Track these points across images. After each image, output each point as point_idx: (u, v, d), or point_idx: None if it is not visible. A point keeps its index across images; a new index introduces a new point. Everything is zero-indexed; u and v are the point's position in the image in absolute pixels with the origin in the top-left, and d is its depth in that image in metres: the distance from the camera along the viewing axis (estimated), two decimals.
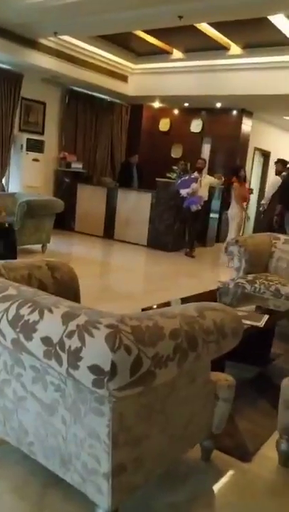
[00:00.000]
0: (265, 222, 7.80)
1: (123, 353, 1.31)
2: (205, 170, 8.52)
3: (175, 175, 8.81)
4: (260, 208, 7.92)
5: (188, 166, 8.74)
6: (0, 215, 5.49)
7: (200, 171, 8.09)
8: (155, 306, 2.98)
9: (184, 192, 7.77)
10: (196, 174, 8.02)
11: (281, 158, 8.20)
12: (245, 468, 2.13)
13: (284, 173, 7.81)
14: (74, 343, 1.36)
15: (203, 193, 8.07)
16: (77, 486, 1.63)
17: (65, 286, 2.24)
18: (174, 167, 9.15)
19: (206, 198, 8.26)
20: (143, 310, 2.84)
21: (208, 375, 1.92)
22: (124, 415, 1.50)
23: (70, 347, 1.37)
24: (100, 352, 1.31)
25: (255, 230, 11.36)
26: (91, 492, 1.58)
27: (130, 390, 1.37)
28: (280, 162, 7.91)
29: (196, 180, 7.81)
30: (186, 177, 7.95)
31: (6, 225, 5.38)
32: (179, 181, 7.95)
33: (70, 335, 1.38)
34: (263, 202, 8.04)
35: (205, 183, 8.12)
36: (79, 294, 2.33)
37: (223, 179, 8.21)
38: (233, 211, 7.74)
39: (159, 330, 1.44)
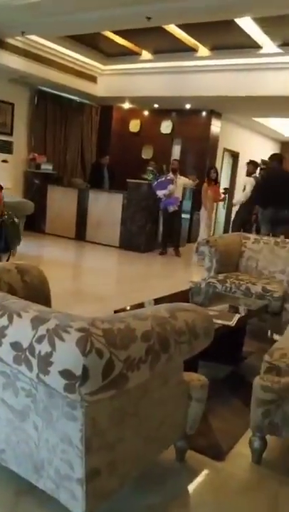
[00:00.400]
0: (237, 222, 7.88)
1: (94, 357, 1.29)
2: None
3: (151, 176, 8.81)
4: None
5: (164, 167, 8.81)
6: None
7: (174, 172, 8.19)
8: (128, 308, 2.98)
9: (160, 193, 7.89)
10: (170, 175, 8.11)
11: (253, 159, 8.30)
12: (219, 467, 2.15)
13: (255, 174, 7.92)
14: (44, 347, 1.34)
15: (178, 194, 8.19)
16: (51, 492, 1.60)
17: (36, 290, 2.21)
18: (150, 168, 9.16)
19: (181, 199, 8.36)
20: (116, 312, 2.83)
21: (180, 375, 1.92)
22: (96, 419, 1.48)
23: (40, 352, 1.34)
24: (70, 356, 1.30)
25: (226, 230, 11.50)
26: (65, 498, 1.56)
27: (102, 394, 1.35)
28: (252, 163, 8.01)
29: (172, 181, 7.91)
30: (163, 178, 8.03)
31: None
32: (156, 183, 8.03)
33: (40, 339, 1.35)
34: (234, 201, 8.11)
35: (179, 184, 8.20)
36: (50, 298, 2.30)
37: (198, 180, 8.30)
38: (202, 212, 7.89)
39: (130, 332, 1.43)
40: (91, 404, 1.39)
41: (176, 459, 2.11)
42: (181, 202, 8.35)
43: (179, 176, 8.25)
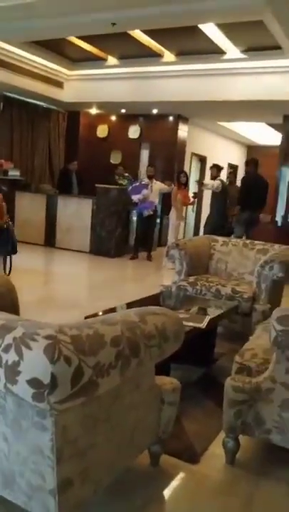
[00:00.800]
0: (210, 224, 7.95)
1: (63, 364, 1.27)
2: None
3: (126, 181, 8.99)
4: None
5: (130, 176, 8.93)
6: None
7: (150, 177, 8.32)
8: (100, 313, 2.96)
9: (135, 198, 8.04)
10: (146, 180, 8.24)
11: (215, 163, 8.40)
12: (194, 469, 2.15)
13: (219, 178, 8.01)
14: (11, 357, 1.31)
15: (155, 199, 8.28)
16: (23, 505, 1.56)
17: (2, 299, 2.16)
18: (126, 174, 9.43)
19: (157, 203, 8.43)
20: (86, 318, 2.80)
21: (152, 379, 1.91)
22: (67, 428, 1.45)
23: (7, 361, 1.31)
24: (38, 365, 1.27)
25: (196, 233, 11.60)
26: (38, 510, 1.52)
27: (72, 402, 1.33)
28: (215, 167, 8.10)
29: (146, 186, 8.03)
30: (137, 183, 8.19)
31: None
32: (130, 188, 8.19)
33: (6, 349, 1.32)
34: (205, 182, 8.14)
35: (155, 189, 8.29)
36: (18, 306, 2.26)
37: (173, 186, 8.36)
38: (171, 214, 8.00)
39: (99, 338, 1.41)
40: (61, 412, 1.36)
41: (150, 463, 2.10)
42: (156, 207, 8.41)
43: (154, 181, 8.34)
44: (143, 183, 8.18)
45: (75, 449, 1.50)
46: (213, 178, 7.95)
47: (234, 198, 8.30)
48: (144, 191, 7.94)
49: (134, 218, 8.78)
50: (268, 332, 2.58)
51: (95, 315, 2.86)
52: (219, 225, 7.76)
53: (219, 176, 7.98)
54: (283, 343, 1.95)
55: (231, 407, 2.15)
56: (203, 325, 2.86)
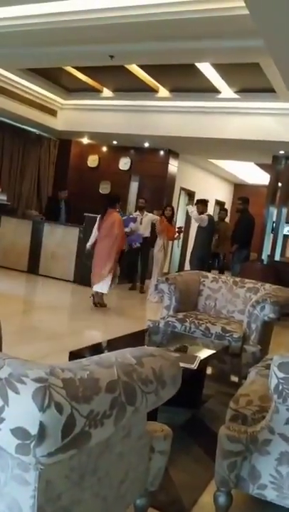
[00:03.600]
0: (194, 259, 7.90)
1: (54, 413, 1.12)
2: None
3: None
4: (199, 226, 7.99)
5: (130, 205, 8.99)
6: None
7: (141, 209, 8.41)
8: (83, 347, 2.81)
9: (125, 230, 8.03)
10: (135, 214, 8.39)
11: (201, 198, 8.37)
12: None
13: (207, 213, 8.02)
14: None
15: (146, 230, 8.33)
16: None
17: None
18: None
19: (149, 235, 8.41)
20: (71, 353, 2.65)
21: (144, 427, 1.76)
22: (52, 482, 1.29)
23: None
24: (25, 411, 1.12)
25: (181, 268, 11.54)
26: None
27: (61, 455, 1.18)
28: (200, 203, 8.05)
29: (134, 220, 8.08)
30: (125, 217, 8.17)
31: None
32: None
33: None
34: (190, 210, 8.03)
35: (146, 220, 8.33)
36: (1, 339, 2.10)
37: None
38: (155, 247, 8.00)
39: (94, 382, 1.27)
40: (47, 466, 1.21)
41: None
42: (146, 238, 8.33)
43: (146, 213, 8.37)
44: (131, 216, 8.27)
45: (58, 506, 1.33)
46: (200, 213, 7.92)
47: (225, 235, 8.34)
48: (132, 225, 7.96)
49: None
50: (262, 377, 2.47)
51: (80, 350, 2.72)
52: (202, 259, 7.77)
53: (206, 211, 7.98)
54: (284, 392, 1.83)
55: (225, 458, 1.99)
56: (194, 366, 2.73)
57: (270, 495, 1.96)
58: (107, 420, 1.29)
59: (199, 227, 7.88)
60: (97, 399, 1.25)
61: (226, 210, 10.50)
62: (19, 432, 1.12)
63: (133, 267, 8.48)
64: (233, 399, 2.23)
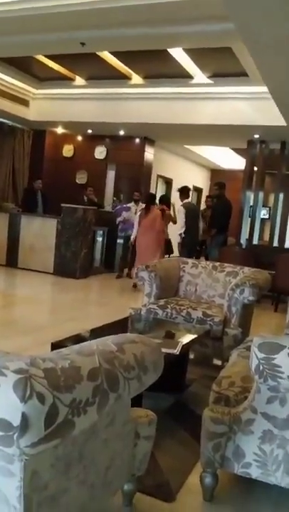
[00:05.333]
0: (187, 247, 7.93)
1: (35, 403, 1.12)
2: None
3: (112, 204, 9.69)
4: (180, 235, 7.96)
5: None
6: None
7: (136, 201, 8.53)
8: (65, 338, 2.79)
9: (117, 219, 8.55)
10: (131, 204, 8.59)
11: (180, 187, 8.29)
12: (170, 508, 2.00)
13: (187, 200, 8.00)
14: None
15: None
16: None
17: None
18: (114, 198, 10.08)
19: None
20: (53, 344, 2.64)
21: (128, 413, 1.77)
22: (38, 472, 1.29)
23: None
24: (7, 403, 1.11)
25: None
26: None
27: (45, 445, 1.17)
28: (180, 192, 8.01)
29: (127, 209, 8.45)
30: (119, 206, 8.79)
31: None
32: (114, 210, 8.88)
33: None
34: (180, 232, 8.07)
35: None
36: None
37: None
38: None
39: (75, 371, 1.27)
40: (31, 456, 1.20)
41: (123, 503, 1.94)
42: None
43: (140, 205, 8.33)
44: (125, 206, 8.65)
45: (46, 495, 1.34)
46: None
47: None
48: (125, 213, 8.37)
49: (99, 239, 8.93)
50: (243, 359, 2.51)
51: (61, 342, 2.71)
52: (192, 249, 7.96)
53: (188, 198, 7.97)
54: (265, 372, 1.86)
55: (210, 440, 2.02)
56: (176, 351, 2.75)
57: (255, 473, 2.00)
58: (90, 408, 1.29)
59: (188, 214, 7.87)
60: (79, 387, 1.25)
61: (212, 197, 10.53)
62: (1, 424, 1.11)
63: (123, 255, 8.64)
64: (215, 381, 2.26)
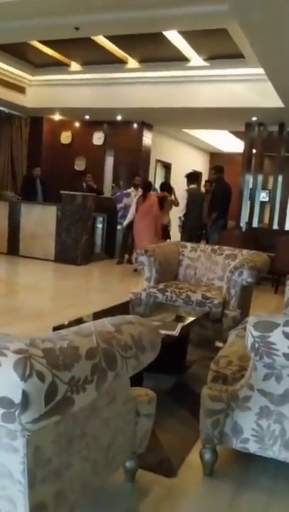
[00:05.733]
0: (187, 231, 8.09)
1: (35, 381, 1.16)
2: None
3: (111, 191, 9.65)
4: (180, 218, 8.20)
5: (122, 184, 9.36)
6: None
7: (136, 186, 8.51)
8: (66, 323, 2.84)
9: (118, 206, 8.57)
10: (131, 190, 8.58)
11: (187, 173, 8.50)
12: (171, 483, 2.06)
13: (192, 186, 8.13)
14: None
15: None
16: None
17: None
18: (113, 184, 10.02)
19: None
20: (54, 329, 2.69)
21: (128, 392, 1.83)
22: (40, 448, 1.34)
23: None
24: (8, 382, 1.16)
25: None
26: None
27: (46, 421, 1.23)
28: (187, 178, 8.24)
29: (128, 195, 8.45)
30: (119, 193, 8.78)
31: None
32: (115, 197, 8.87)
33: None
34: (179, 215, 8.24)
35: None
36: None
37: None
38: (165, 221, 8.17)
39: (74, 351, 1.32)
40: (34, 432, 1.26)
41: (125, 480, 2.01)
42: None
43: (140, 190, 8.37)
44: (125, 192, 8.62)
45: (49, 470, 1.39)
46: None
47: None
48: (125, 199, 8.38)
49: (99, 225, 8.97)
50: (241, 338, 2.55)
51: (63, 325, 2.76)
52: (190, 230, 8.04)
53: (194, 184, 8.14)
54: (260, 349, 1.91)
55: (208, 417, 2.08)
56: (176, 332, 2.80)
57: (253, 447, 2.06)
58: (89, 386, 1.34)
59: (190, 197, 7.98)
60: (78, 366, 1.30)
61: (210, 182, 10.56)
62: (3, 402, 1.16)
63: (124, 241, 8.64)
64: (213, 361, 2.31)
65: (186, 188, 8.10)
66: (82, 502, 1.62)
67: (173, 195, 8.16)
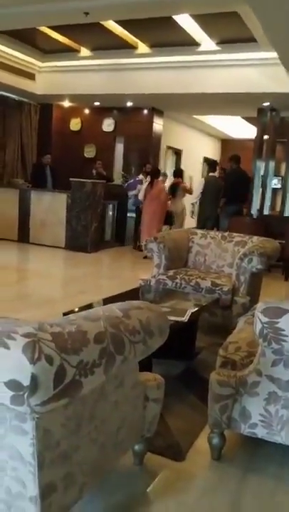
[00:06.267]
0: (199, 219, 8.24)
1: (44, 364, 1.18)
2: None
3: (122, 179, 9.73)
4: (193, 205, 8.37)
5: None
6: None
7: (148, 173, 8.47)
8: (77, 310, 2.86)
9: (131, 193, 8.67)
10: (141, 176, 8.66)
11: (210, 161, 8.64)
12: (180, 467, 2.09)
13: (212, 174, 8.20)
14: None
15: None
16: None
17: None
18: (122, 172, 10.06)
19: None
20: (64, 315, 2.71)
21: (136, 376, 1.84)
22: (49, 430, 1.37)
23: None
24: (17, 365, 1.18)
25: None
26: None
27: (55, 404, 1.25)
28: (209, 166, 8.42)
29: (141, 182, 8.48)
30: (132, 180, 8.83)
31: None
32: (127, 184, 8.95)
33: None
34: (193, 202, 8.35)
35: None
36: None
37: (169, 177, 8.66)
38: (178, 207, 8.32)
39: (82, 335, 1.33)
40: (42, 415, 1.28)
41: (134, 463, 2.03)
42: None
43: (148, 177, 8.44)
44: (137, 179, 8.66)
45: (58, 452, 1.42)
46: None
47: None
48: (139, 186, 8.38)
49: (110, 212, 8.95)
50: (250, 325, 2.55)
51: (72, 311, 2.78)
52: (204, 218, 8.15)
53: (214, 172, 8.33)
54: (269, 335, 1.91)
55: (216, 402, 2.10)
56: (185, 318, 2.81)
57: (261, 432, 2.07)
58: (97, 369, 1.35)
59: (208, 186, 8.07)
60: (86, 350, 1.31)
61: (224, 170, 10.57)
62: (12, 384, 1.18)
63: (136, 227, 8.73)
64: (222, 347, 2.32)
65: (212, 174, 8.34)
66: (91, 484, 1.65)
67: (189, 184, 8.37)
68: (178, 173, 8.65)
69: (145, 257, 7.35)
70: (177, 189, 8.32)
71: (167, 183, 8.78)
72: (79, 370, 1.27)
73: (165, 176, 9.24)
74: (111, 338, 1.42)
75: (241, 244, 4.33)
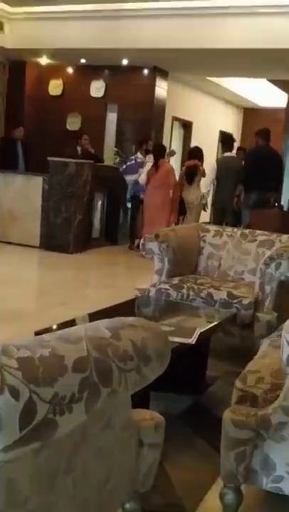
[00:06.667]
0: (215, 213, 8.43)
1: (8, 399, 1.19)
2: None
3: (118, 159, 9.58)
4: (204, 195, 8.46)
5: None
6: None
7: (149, 153, 8.66)
8: (54, 327, 2.88)
9: (130, 179, 8.68)
10: (141, 157, 8.70)
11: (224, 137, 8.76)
12: None
13: (228, 154, 8.38)
14: None
15: None
16: None
17: None
18: (116, 149, 10.03)
19: None
20: (36, 334, 2.73)
21: (128, 414, 1.86)
22: (14, 483, 1.38)
23: None
24: None
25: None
26: None
27: (22, 449, 1.26)
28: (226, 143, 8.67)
29: (142, 164, 8.51)
30: (132, 161, 8.78)
31: None
32: (125, 166, 8.94)
33: None
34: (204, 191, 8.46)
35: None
36: None
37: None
38: (195, 196, 8.35)
39: (58, 360, 1.34)
40: (6, 464, 1.29)
41: None
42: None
43: (149, 157, 8.53)
44: (138, 160, 8.67)
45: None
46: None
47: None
48: (141, 170, 8.42)
49: (99, 202, 9.02)
50: (276, 349, 2.57)
51: (48, 329, 2.80)
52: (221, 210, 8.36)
53: (231, 151, 8.56)
54: None
55: (231, 449, 2.11)
56: (192, 340, 2.82)
57: (288, 488, 2.08)
58: (77, 405, 1.36)
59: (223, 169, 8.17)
60: (63, 380, 1.32)
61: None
62: None
63: (133, 221, 8.91)
64: (239, 377, 2.33)
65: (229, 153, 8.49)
66: None
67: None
68: (195, 153, 8.66)
69: (143, 256, 7.40)
70: (196, 174, 8.34)
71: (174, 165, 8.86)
72: (53, 406, 1.28)
73: (173, 154, 9.27)
74: (95, 364, 1.43)
75: (267, 244, 4.36)
